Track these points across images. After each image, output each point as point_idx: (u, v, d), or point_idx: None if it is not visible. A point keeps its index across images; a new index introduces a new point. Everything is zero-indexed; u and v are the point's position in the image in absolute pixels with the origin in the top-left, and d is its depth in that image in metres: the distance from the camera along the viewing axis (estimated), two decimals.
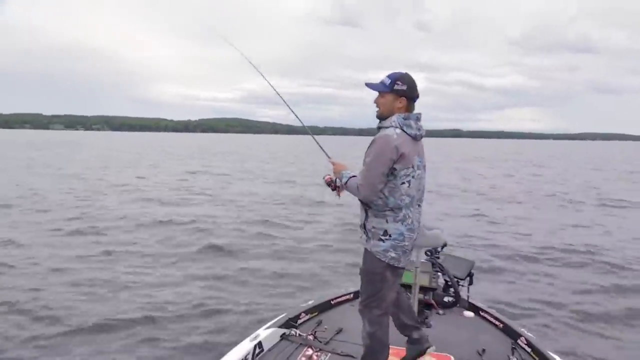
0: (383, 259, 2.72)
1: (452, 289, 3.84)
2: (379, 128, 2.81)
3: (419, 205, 2.81)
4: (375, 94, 2.83)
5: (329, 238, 8.90)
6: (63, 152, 38.77)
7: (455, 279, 3.87)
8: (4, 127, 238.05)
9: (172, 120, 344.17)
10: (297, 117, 3.43)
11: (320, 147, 3.18)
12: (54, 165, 25.13)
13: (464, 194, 15.94)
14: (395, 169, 2.66)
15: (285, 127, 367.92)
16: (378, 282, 2.76)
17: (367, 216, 2.76)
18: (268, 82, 3.47)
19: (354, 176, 2.75)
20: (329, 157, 3.01)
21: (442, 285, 3.92)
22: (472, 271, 3.95)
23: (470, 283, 3.94)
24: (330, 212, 11.74)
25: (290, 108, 3.39)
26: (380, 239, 2.72)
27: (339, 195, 2.96)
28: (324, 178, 2.99)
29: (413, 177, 2.73)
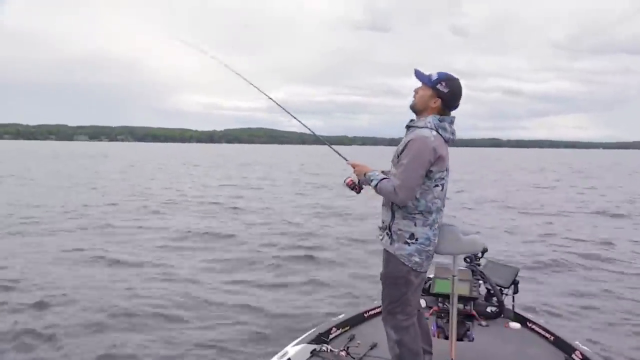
0: (407, 263, 2.75)
1: (495, 298, 3.74)
2: (409, 127, 2.86)
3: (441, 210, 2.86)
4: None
5: (358, 250, 8.85)
6: (88, 164, 39.98)
7: (499, 287, 3.78)
8: (29, 139, 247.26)
9: (196, 131, 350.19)
10: (303, 124, 3.54)
11: (336, 151, 3.26)
12: (78, 175, 25.91)
13: (506, 208, 15.58)
14: (431, 171, 2.71)
15: (313, 137, 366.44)
16: (402, 285, 2.78)
17: (393, 217, 2.78)
18: (267, 95, 3.54)
19: (385, 178, 2.77)
20: (346, 160, 3.06)
21: (483, 295, 3.84)
22: (517, 279, 3.85)
23: (516, 292, 3.84)
24: (360, 223, 11.68)
25: (294, 116, 3.49)
26: (406, 242, 2.75)
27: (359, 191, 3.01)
28: (345, 181, 3.02)
29: (445, 180, 2.79)
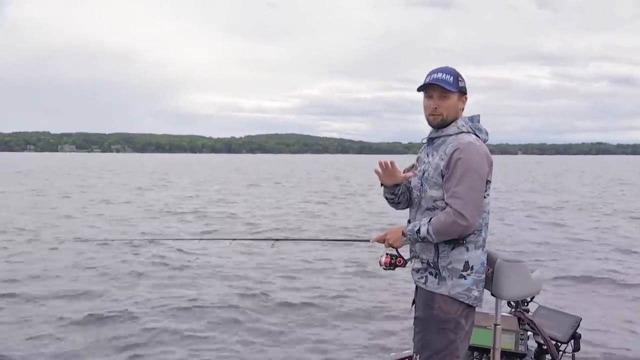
0: (465, 301, 2.85)
1: (548, 356, 3.74)
2: (432, 139, 3.01)
3: None
4: (419, 104, 3.03)
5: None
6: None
7: (554, 342, 3.77)
8: (3, 150, 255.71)
9: (210, 138, 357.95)
10: None
11: (352, 240, 3.42)
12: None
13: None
14: (488, 181, 2.91)
15: (357, 144, 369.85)
16: (451, 331, 2.85)
17: (438, 252, 2.88)
18: None
19: (430, 217, 2.87)
20: (368, 241, 3.28)
21: (533, 351, 3.84)
22: (579, 331, 3.84)
23: (576, 348, 3.82)
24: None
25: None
26: (462, 276, 2.86)
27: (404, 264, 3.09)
28: (380, 263, 3.09)
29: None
